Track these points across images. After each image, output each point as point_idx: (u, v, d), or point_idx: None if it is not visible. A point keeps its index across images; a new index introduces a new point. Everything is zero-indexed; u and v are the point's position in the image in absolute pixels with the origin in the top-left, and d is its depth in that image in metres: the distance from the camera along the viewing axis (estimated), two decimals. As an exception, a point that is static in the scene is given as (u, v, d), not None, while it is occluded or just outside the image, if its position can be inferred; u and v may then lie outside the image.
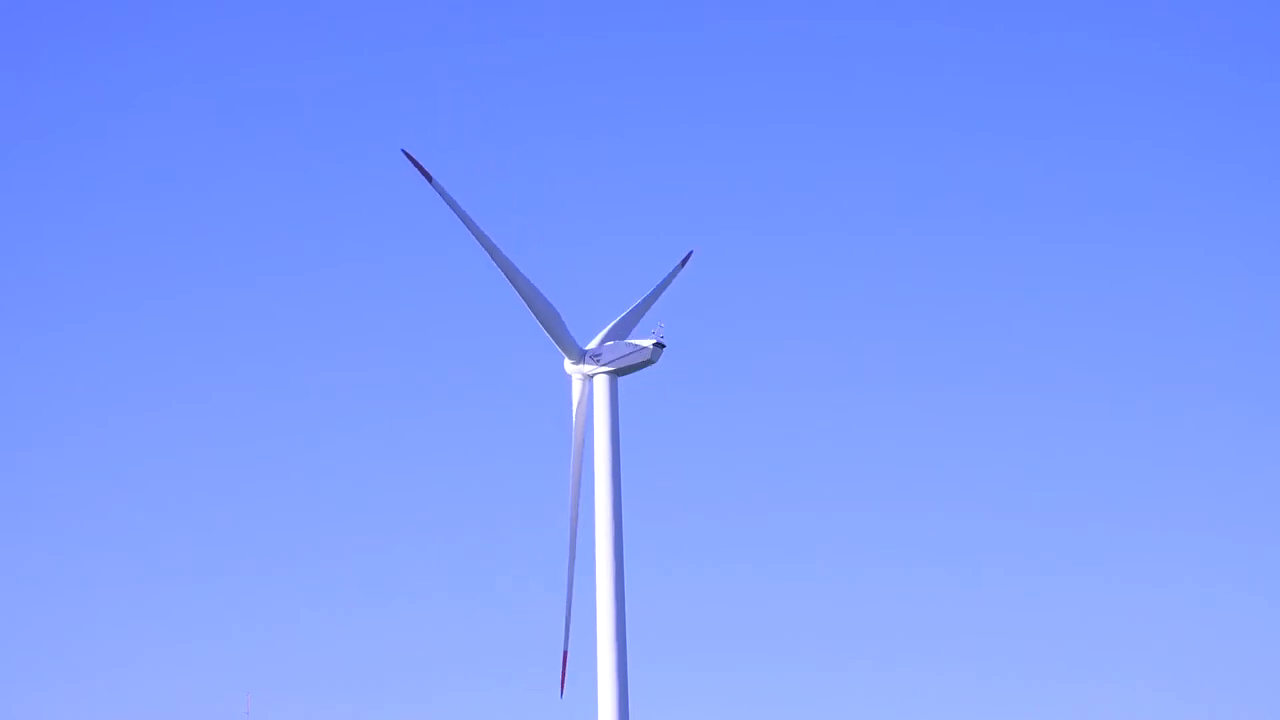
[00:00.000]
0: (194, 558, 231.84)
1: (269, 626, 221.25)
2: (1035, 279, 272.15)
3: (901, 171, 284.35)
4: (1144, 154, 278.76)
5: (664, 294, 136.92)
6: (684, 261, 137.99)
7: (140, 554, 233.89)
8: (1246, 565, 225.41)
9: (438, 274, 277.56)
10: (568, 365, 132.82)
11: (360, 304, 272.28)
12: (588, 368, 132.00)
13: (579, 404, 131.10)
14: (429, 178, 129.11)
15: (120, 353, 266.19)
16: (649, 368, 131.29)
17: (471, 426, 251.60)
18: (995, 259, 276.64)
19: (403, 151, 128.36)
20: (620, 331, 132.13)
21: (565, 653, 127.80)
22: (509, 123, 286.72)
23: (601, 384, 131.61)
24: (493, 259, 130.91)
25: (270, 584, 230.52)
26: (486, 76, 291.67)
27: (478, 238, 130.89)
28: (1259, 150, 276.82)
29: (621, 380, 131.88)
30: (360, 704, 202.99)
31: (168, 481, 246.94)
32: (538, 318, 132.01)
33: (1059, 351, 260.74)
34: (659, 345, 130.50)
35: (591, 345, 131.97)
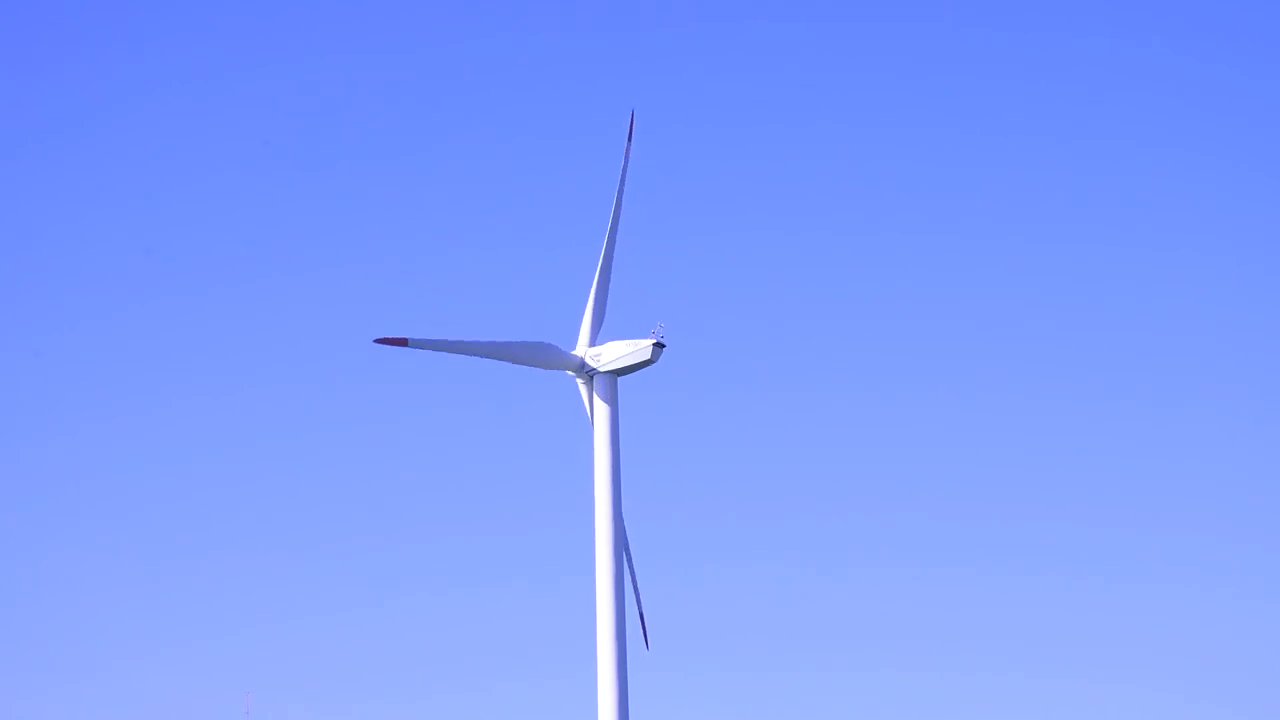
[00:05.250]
0: (194, 558, 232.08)
1: (269, 626, 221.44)
2: (1035, 279, 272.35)
3: (901, 171, 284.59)
4: (1144, 154, 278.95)
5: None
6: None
7: (140, 553, 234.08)
8: (1247, 565, 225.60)
9: (438, 274, 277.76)
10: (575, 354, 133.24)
11: (359, 304, 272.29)
12: (589, 362, 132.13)
13: (554, 353, 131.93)
14: (630, 139, 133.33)
15: (120, 353, 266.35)
16: (649, 368, 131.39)
17: (470, 427, 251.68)
18: (995, 259, 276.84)
19: (630, 114, 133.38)
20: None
21: (406, 340, 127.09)
22: (508, 122, 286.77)
23: (601, 384, 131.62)
24: (613, 216, 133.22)
25: (270, 584, 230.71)
26: (486, 77, 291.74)
27: (618, 196, 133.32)
28: (1259, 150, 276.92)
29: (621, 380, 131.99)
30: (360, 704, 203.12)
31: (168, 481, 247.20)
32: (593, 305, 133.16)
33: (1059, 351, 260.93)
34: (659, 345, 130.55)
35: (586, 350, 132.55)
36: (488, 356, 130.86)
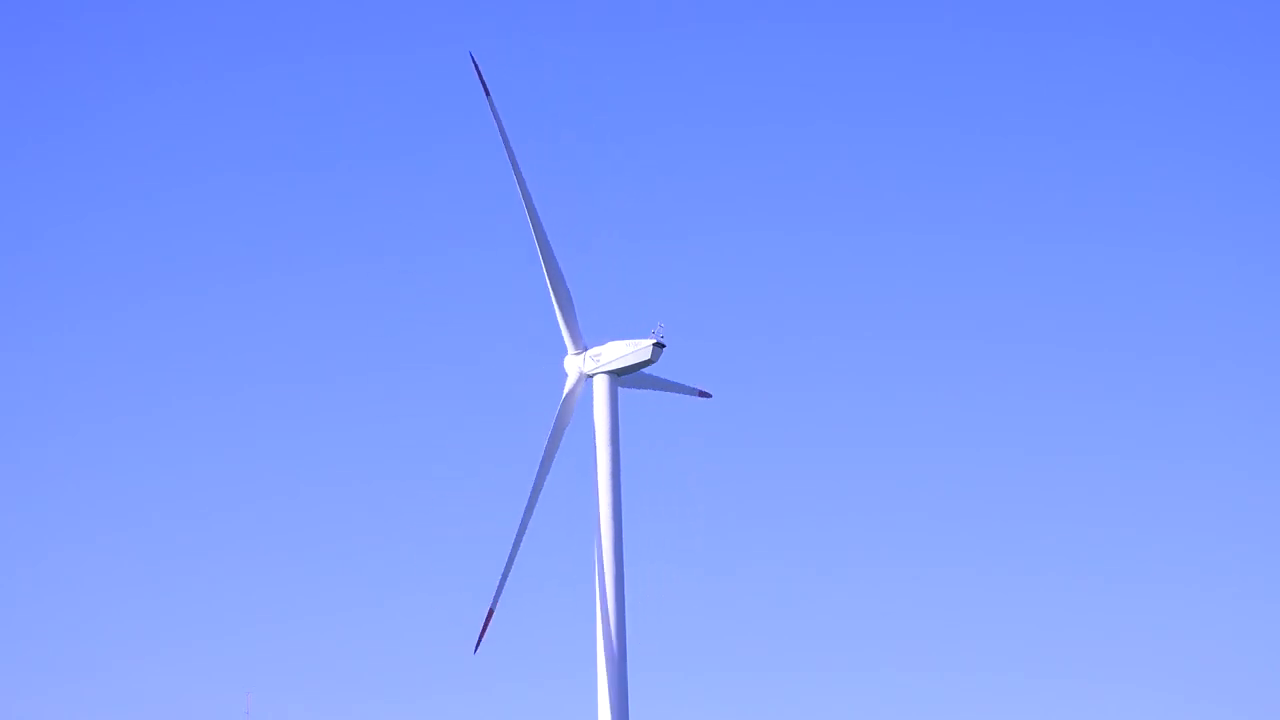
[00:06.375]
0: (194, 557, 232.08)
1: (269, 626, 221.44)
2: (1035, 279, 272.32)
3: (902, 171, 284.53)
4: (1144, 154, 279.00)
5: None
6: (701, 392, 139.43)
7: (140, 553, 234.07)
8: (1247, 565, 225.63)
9: (436, 274, 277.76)
10: (567, 361, 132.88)
11: (358, 304, 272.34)
12: (588, 364, 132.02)
13: (569, 393, 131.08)
14: (487, 92, 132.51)
15: (120, 353, 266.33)
16: (649, 368, 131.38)
17: (469, 427, 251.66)
18: (995, 259, 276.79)
19: (470, 56, 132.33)
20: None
21: (491, 611, 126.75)
22: (508, 123, 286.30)
23: (601, 384, 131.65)
24: (529, 216, 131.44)
25: (270, 584, 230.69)
26: (486, 77, 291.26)
27: (519, 182, 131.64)
28: (1259, 150, 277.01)
29: (621, 380, 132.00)
30: (360, 704, 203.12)
31: (168, 481, 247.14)
32: (554, 294, 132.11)
33: (1059, 351, 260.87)
34: (659, 345, 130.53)
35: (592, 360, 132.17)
36: (543, 483, 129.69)
